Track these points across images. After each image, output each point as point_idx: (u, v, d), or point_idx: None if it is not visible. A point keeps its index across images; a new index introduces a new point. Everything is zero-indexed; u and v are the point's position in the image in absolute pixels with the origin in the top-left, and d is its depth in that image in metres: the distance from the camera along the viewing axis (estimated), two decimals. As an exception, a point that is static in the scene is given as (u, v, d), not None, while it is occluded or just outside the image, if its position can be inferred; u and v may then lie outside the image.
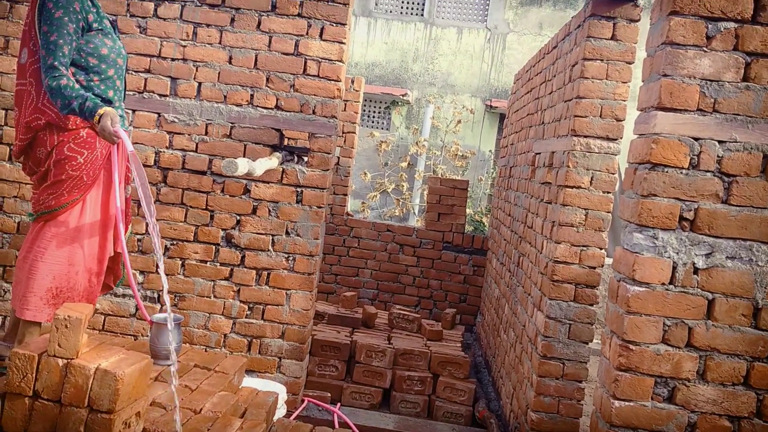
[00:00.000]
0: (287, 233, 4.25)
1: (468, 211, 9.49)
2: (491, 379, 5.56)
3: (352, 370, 4.93)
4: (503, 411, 4.82)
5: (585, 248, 3.96)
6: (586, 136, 3.95)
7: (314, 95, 4.20)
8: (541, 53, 5.38)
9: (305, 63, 4.19)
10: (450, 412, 4.79)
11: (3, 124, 4.29)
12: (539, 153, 4.78)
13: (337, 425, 4.30)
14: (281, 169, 4.21)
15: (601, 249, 3.99)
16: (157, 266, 2.92)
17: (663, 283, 2.40)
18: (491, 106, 12.74)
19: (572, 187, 3.94)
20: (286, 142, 4.27)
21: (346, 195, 7.36)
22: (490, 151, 12.84)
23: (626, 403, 2.42)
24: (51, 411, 2.34)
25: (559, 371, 3.97)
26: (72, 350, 2.34)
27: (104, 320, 4.30)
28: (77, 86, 2.90)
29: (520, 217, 5.18)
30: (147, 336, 4.23)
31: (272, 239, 4.25)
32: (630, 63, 3.98)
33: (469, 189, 7.45)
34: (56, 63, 2.88)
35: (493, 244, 6.60)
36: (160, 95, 4.23)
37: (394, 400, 4.85)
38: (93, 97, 2.91)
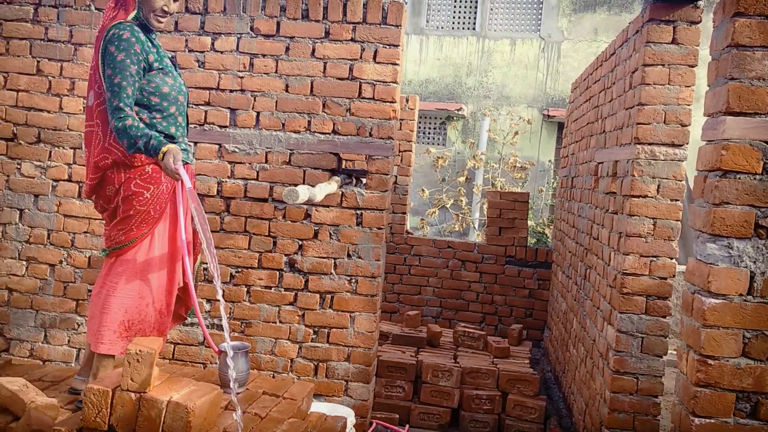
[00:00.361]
0: (349, 256, 4.26)
1: (530, 223, 9.35)
2: (562, 395, 5.44)
3: (419, 390, 4.89)
4: (575, 428, 4.70)
5: (655, 259, 3.85)
6: (650, 144, 3.84)
7: (370, 118, 4.22)
8: (599, 61, 5.28)
9: (360, 86, 4.22)
10: (521, 431, 4.69)
11: (71, 162, 4.44)
12: (602, 162, 4.68)
13: (407, 448, 4.27)
14: (340, 192, 4.23)
15: (671, 259, 3.86)
16: (218, 298, 2.96)
17: (740, 294, 2.30)
18: (549, 116, 12.59)
19: (638, 197, 3.84)
20: (344, 165, 4.30)
21: (405, 213, 7.36)
22: (550, 161, 12.67)
23: (707, 420, 2.32)
24: (127, 444, 2.39)
25: (633, 386, 3.84)
26: (144, 384, 2.38)
27: (174, 349, 4.38)
28: (141, 125, 2.99)
29: (585, 229, 5.07)
30: (215, 364, 4.29)
31: (334, 262, 4.27)
32: (693, 66, 3.86)
33: (529, 201, 7.33)
34: (121, 104, 2.98)
35: (558, 256, 6.48)
36: (221, 126, 4.32)
37: (463, 419, 4.78)
38: (157, 135, 2.99)
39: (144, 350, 2.39)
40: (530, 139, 12.75)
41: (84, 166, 3.31)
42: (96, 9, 4.39)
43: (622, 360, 3.82)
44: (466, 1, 13.32)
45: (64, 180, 4.45)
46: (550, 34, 12.92)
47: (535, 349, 6.57)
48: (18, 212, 4.48)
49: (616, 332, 3.85)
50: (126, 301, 3.09)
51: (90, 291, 4.40)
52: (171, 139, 3.18)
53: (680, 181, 3.85)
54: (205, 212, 4.30)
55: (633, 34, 4.16)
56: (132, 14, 3.12)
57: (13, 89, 4.46)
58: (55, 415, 2.67)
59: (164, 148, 2.92)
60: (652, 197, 3.84)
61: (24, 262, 4.48)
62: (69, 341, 4.47)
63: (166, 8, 3.19)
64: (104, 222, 3.30)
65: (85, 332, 4.41)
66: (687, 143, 3.86)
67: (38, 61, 4.45)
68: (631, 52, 4.15)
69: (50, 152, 4.45)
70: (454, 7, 13.38)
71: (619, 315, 3.84)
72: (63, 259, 4.46)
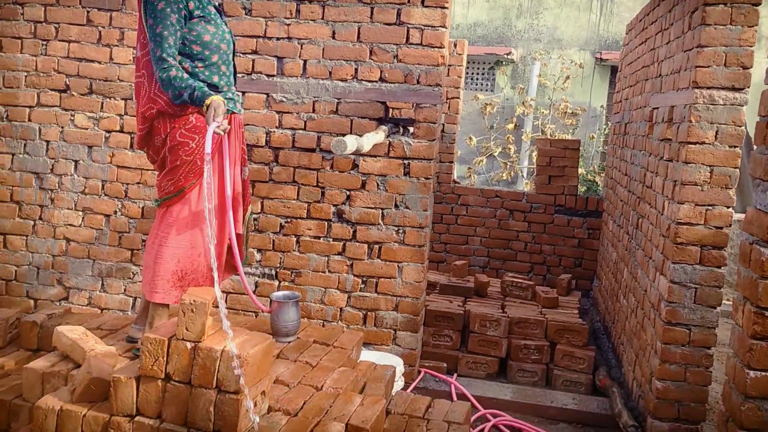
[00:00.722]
0: (396, 206, 4.25)
1: (580, 171, 9.18)
2: (611, 345, 5.40)
3: (467, 339, 4.91)
4: (625, 379, 4.67)
5: (710, 208, 3.73)
6: (709, 88, 3.69)
7: (418, 64, 4.14)
8: (656, 0, 5.06)
9: (408, 32, 4.14)
10: (569, 381, 4.69)
11: (123, 113, 4.49)
12: (657, 108, 4.52)
13: (454, 396, 4.31)
14: (388, 142, 4.20)
15: (728, 207, 3.74)
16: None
17: (802, 247, 2.22)
18: (601, 59, 12.21)
19: (695, 143, 3.70)
20: (391, 114, 4.25)
21: (452, 162, 7.28)
22: (602, 106, 12.34)
23: (762, 373, 2.27)
24: (182, 392, 2.45)
25: (685, 338, 3.78)
26: (198, 333, 2.44)
27: (226, 298, 4.47)
28: (186, 76, 2.99)
29: (638, 177, 4.94)
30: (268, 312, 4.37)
31: (382, 213, 4.27)
32: (756, 5, 3.66)
33: (580, 148, 7.17)
34: (164, 55, 2.98)
35: (609, 205, 6.36)
36: (268, 75, 4.30)
37: (511, 369, 4.80)
38: (201, 85, 2.98)
39: (198, 300, 2.43)
40: (582, 83, 12.41)
41: (135, 116, 3.33)
42: (142, -41, 4.37)
43: (675, 311, 3.76)
44: (516, -59, 12.88)
45: (116, 131, 4.51)
46: (603, -27, 12.44)
47: (584, 299, 6.51)
48: (73, 163, 4.57)
49: (668, 282, 3.77)
50: (178, 251, 3.14)
51: (144, 241, 4.50)
52: (215, 88, 3.16)
53: (740, 127, 3.70)
54: (255, 162, 4.33)
55: (693, -28, 3.96)
56: None
57: (65, 40, 4.51)
58: (113, 363, 2.76)
59: (208, 101, 2.92)
60: (709, 144, 3.70)
61: (80, 213, 4.59)
62: (125, 290, 4.60)
63: None
64: (156, 173, 3.34)
65: (140, 281, 4.53)
66: (748, 87, 3.69)
67: (88, 11, 4.47)
68: (691, -8, 3.96)
69: (102, 103, 4.51)
70: (505, -54, 12.95)
71: (672, 265, 3.76)
72: (117, 210, 4.56)
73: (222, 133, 2.98)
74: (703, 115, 3.69)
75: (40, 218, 4.63)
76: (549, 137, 10.28)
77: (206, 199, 2.90)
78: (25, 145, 4.60)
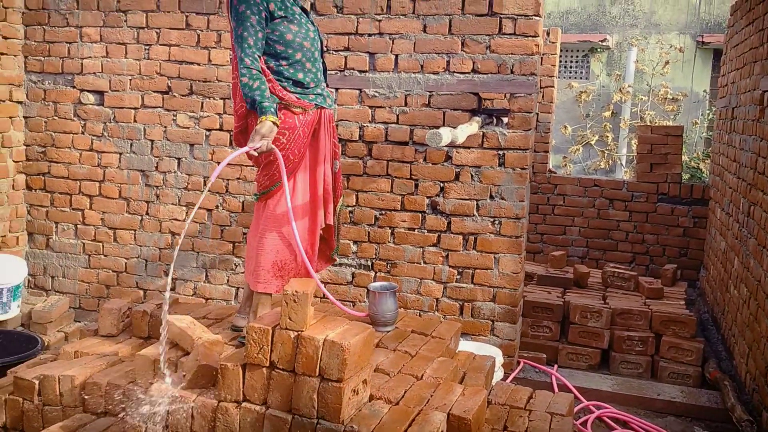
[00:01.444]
0: (491, 197, 4.20)
1: (683, 158, 8.79)
2: (721, 337, 5.16)
3: (567, 330, 4.80)
4: (737, 372, 4.45)
5: (830, 192, 3.50)
6: (826, 65, 3.46)
7: (511, 54, 4.08)
8: (764, -24, 4.79)
9: (500, 22, 4.08)
10: (676, 373, 4.52)
11: (222, 112, 4.64)
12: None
13: (555, 387, 4.22)
14: (481, 133, 4.15)
15: None
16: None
17: None
18: (703, 42, 11.66)
19: (812, 125, 3.48)
20: (484, 104, 4.20)
21: (547, 152, 7.14)
22: (705, 91, 11.78)
23: None
24: (286, 380, 2.51)
25: (805, 330, 3.57)
26: (301, 323, 2.49)
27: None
28: (256, 84, 3.05)
29: (749, 163, 4.69)
30: (365, 302, 4.42)
31: (477, 204, 4.23)
32: None
33: (683, 134, 6.87)
34: (243, 55, 3.07)
35: (716, 192, 6.07)
36: (360, 71, 4.34)
37: (614, 360, 4.66)
38: (268, 98, 3.05)
39: (300, 291, 2.48)
40: (682, 68, 11.89)
41: (233, 115, 3.43)
42: (238, -39, 4.49)
43: (792, 302, 3.55)
44: (609, -77, 12.46)
45: (216, 129, 4.67)
46: (704, -48, 11.88)
47: (690, 289, 6.24)
48: (176, 161, 4.76)
49: (784, 272, 3.57)
50: (277, 242, 3.23)
51: (245, 234, 4.63)
52: (300, 85, 3.21)
53: None
54: (349, 156, 4.38)
55: (807, -58, 3.72)
56: None
57: (166, 44, 4.69)
58: (220, 351, 2.85)
59: (263, 118, 3.01)
60: (828, 125, 3.48)
61: (184, 208, 4.78)
62: (227, 281, 4.76)
63: None
64: (255, 168, 3.43)
65: (242, 272, 4.67)
66: None
67: (187, 16, 4.64)
68: (805, -37, 3.72)
69: (202, 103, 4.67)
70: (597, -70, 12.57)
71: (788, 254, 3.55)
72: (219, 204, 4.71)
73: (255, 154, 3.08)
74: (821, 93, 3.46)
75: (147, 213, 4.84)
76: (650, 124, 9.91)
77: (288, 200, 3.12)
78: (131, 144, 4.83)
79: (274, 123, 3.02)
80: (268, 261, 3.23)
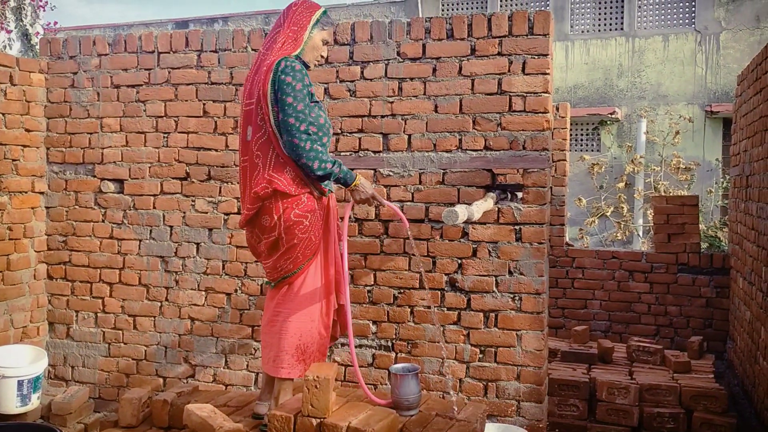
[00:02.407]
0: (510, 273, 4.17)
1: (701, 227, 8.76)
2: (754, 411, 5.00)
3: (595, 408, 4.68)
4: (775, 448, 4.29)
5: None
6: (839, 132, 3.47)
7: (522, 130, 4.13)
8: (768, 48, 4.88)
9: (510, 100, 4.15)
10: (710, 451, 4.36)
11: (240, 196, 4.69)
12: (781, 157, 4.29)
13: (585, 469, 4.09)
14: (497, 208, 4.17)
15: None
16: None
17: None
18: (712, 112, 11.78)
19: (830, 192, 3.47)
20: (498, 180, 4.23)
21: (563, 225, 7.14)
22: (717, 159, 11.83)
23: None
24: (310, 468, 2.45)
25: (841, 402, 3.46)
26: (323, 409, 2.45)
27: (344, 371, 4.48)
28: (327, 156, 3.21)
29: (767, 231, 4.66)
30: (386, 384, 4.34)
31: (496, 280, 4.20)
32: None
33: (699, 203, 6.87)
34: (308, 128, 3.15)
35: (737, 261, 6.01)
36: (374, 152, 4.40)
37: (645, 439, 4.52)
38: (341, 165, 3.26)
39: (322, 376, 2.45)
40: (693, 137, 11.98)
41: (241, 198, 3.47)
42: (252, 50, 4.65)
43: (825, 372, 3.45)
44: (611, 1, 12.82)
45: (234, 213, 4.71)
46: (706, 26, 12.13)
47: (718, 362, 6.10)
48: (195, 246, 4.79)
49: (815, 342, 3.49)
50: (300, 325, 3.23)
51: (263, 318, 4.61)
52: None
53: None
54: (366, 236, 4.40)
55: (809, 14, 3.80)
56: (295, 52, 3.30)
57: (184, 132, 4.81)
58: (241, 440, 2.80)
59: (357, 180, 3.31)
60: None
61: (203, 293, 4.78)
62: (247, 366, 4.70)
63: (323, 55, 3.46)
64: (261, 254, 3.41)
65: (260, 357, 4.62)
66: None
67: (204, 104, 4.77)
68: (809, 34, 3.79)
69: (220, 188, 4.74)
70: (599, 8, 12.92)
71: (817, 323, 3.48)
72: (237, 288, 4.71)
73: (373, 203, 3.42)
74: (836, 160, 3.46)
75: (166, 299, 4.85)
76: (663, 194, 9.92)
77: (342, 254, 3.35)
78: (150, 231, 4.88)
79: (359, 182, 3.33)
80: (292, 345, 3.21)
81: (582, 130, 12.79)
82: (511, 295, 4.17)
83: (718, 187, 11.32)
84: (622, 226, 11.30)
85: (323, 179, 3.23)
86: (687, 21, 12.37)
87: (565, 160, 7.14)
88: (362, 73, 4.41)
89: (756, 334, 4.98)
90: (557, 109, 7.09)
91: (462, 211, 3.42)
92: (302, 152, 3.12)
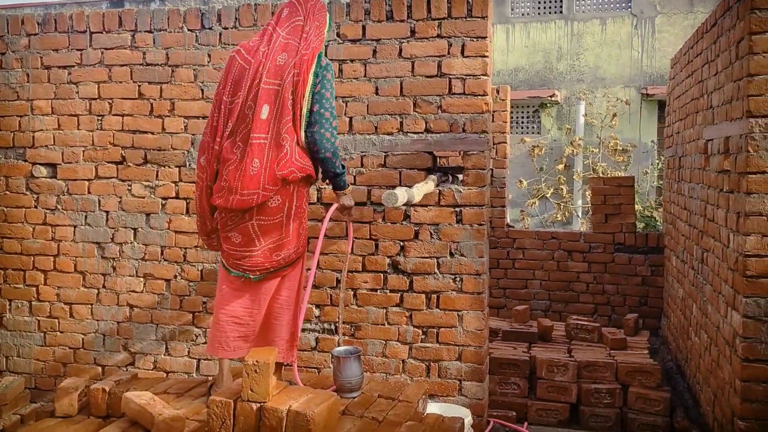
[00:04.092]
0: (451, 254, 4.21)
1: (637, 207, 9.00)
2: (686, 385, 5.19)
3: (535, 386, 4.78)
4: (704, 420, 4.47)
5: (779, 237, 3.59)
6: (764, 116, 3.60)
7: (462, 113, 4.16)
8: (699, 33, 5.01)
9: (450, 82, 4.17)
10: (645, 424, 4.52)
11: (177, 180, 4.60)
12: (711, 140, 4.43)
13: (526, 445, 4.18)
14: (438, 191, 4.19)
15: (798, 235, 3.60)
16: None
17: None
18: (648, 95, 12.08)
19: (756, 173, 3.60)
20: (439, 163, 4.26)
21: (504, 206, 7.24)
22: (652, 141, 12.16)
23: None
24: (251, 454, 2.44)
25: (766, 374, 3.61)
26: (263, 394, 2.43)
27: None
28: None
29: (698, 210, 4.82)
30: (329, 368, 4.35)
31: (437, 262, 4.24)
32: (806, 28, 3.59)
33: (635, 184, 7.05)
34: (336, 126, 3.29)
35: (670, 240, 6.20)
36: (315, 134, 4.36)
37: (583, 414, 4.64)
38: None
39: (261, 361, 2.43)
40: (629, 120, 12.28)
41: (193, 183, 3.43)
42: (189, 30, 4.54)
43: (751, 346, 3.60)
44: (551, -15, 12.98)
45: (172, 198, 4.62)
46: (642, 10, 12.41)
47: (653, 338, 6.30)
48: (132, 231, 4.69)
49: (742, 318, 3.63)
50: (293, 312, 3.44)
51: (204, 303, 4.55)
52: None
53: (802, 151, 3.59)
54: (308, 219, 4.37)
55: (735, 1, 3.92)
56: (321, 49, 3.35)
57: (119, 114, 4.68)
58: (181, 427, 2.76)
59: (349, 188, 3.57)
60: (771, 171, 3.59)
61: (141, 279, 4.69)
62: (189, 352, 4.64)
63: None
64: (249, 240, 3.29)
65: (202, 343, 4.57)
66: (807, 111, 3.59)
67: (139, 86, 4.64)
68: (735, 21, 3.91)
69: (157, 172, 4.63)
70: (540, -9, 13.07)
71: (744, 299, 3.62)
72: (177, 274, 4.63)
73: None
74: (761, 144, 3.59)
75: (104, 286, 4.74)
76: (601, 175, 10.15)
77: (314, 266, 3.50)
78: (86, 216, 4.75)
79: None
80: (288, 332, 3.44)
81: (522, 112, 12.96)
82: (453, 276, 4.21)
83: (653, 168, 11.65)
84: (561, 207, 11.54)
85: (338, 176, 3.38)
86: (624, 5, 12.62)
87: (505, 142, 7.22)
88: (302, 54, 4.35)
89: (688, 310, 5.16)
90: (498, 91, 7.16)
91: (402, 194, 3.43)
92: (331, 147, 3.25)
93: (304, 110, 3.20)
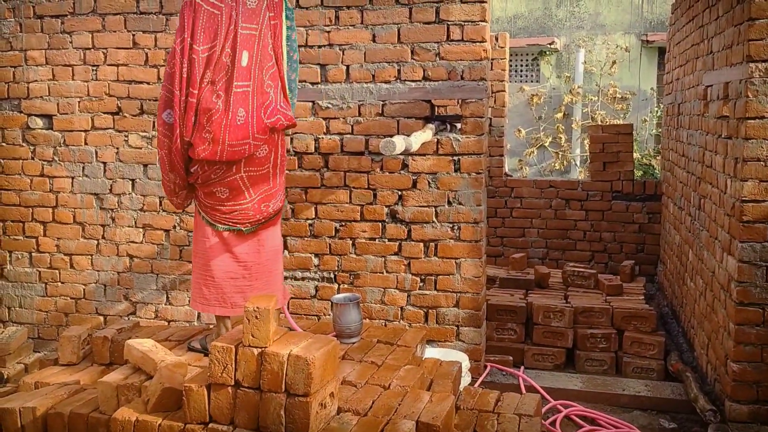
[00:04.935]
0: (449, 203, 4.22)
1: (635, 155, 8.97)
2: (681, 330, 5.26)
3: (531, 332, 4.85)
4: (698, 363, 4.55)
5: (776, 182, 3.60)
6: (764, 61, 3.57)
7: (461, 60, 4.12)
8: (701, -25, 4.93)
9: (448, 29, 4.12)
10: (640, 368, 4.59)
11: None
12: (710, 85, 4.40)
13: (523, 389, 4.26)
14: (436, 139, 4.18)
15: (794, 181, 3.61)
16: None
17: None
18: (648, 41, 11.92)
19: (754, 118, 3.58)
20: (437, 111, 4.24)
21: (502, 156, 7.22)
22: (652, 89, 12.05)
23: None
24: (252, 398, 2.49)
25: (759, 317, 3.66)
26: (264, 339, 2.47)
27: (288, 303, 4.51)
28: None
29: (696, 157, 4.81)
30: (329, 315, 4.40)
31: (435, 210, 4.25)
32: (808, -30, 3.53)
33: (633, 132, 7.01)
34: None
35: (668, 188, 6.21)
36: (312, 83, 4.33)
37: (579, 359, 4.72)
38: None
39: (262, 307, 2.46)
40: (629, 67, 12.14)
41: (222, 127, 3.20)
42: (183, -22, 4.46)
43: (746, 291, 3.64)
44: (551, -71, 12.69)
45: (169, 149, 4.60)
46: (643, -47, 12.17)
47: (648, 284, 6.35)
48: (130, 182, 4.69)
49: (737, 262, 3.66)
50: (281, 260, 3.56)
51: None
52: None
53: (801, 96, 3.57)
54: (306, 169, 4.38)
55: (740, -59, 3.84)
56: None
57: (113, 64, 4.63)
58: (184, 373, 2.81)
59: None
60: (770, 117, 3.58)
61: (141, 229, 4.71)
62: (189, 301, 4.69)
63: None
64: (238, 192, 3.27)
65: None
66: (807, 55, 3.56)
67: (133, 35, 4.59)
68: (739, -38, 3.84)
69: (153, 122, 4.61)
70: (539, -65, 12.78)
71: (739, 244, 3.64)
72: (176, 224, 4.65)
73: None
74: (760, 89, 3.57)
75: (103, 237, 4.76)
76: (600, 124, 10.10)
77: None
78: (83, 167, 4.74)
79: None
80: (281, 279, 3.63)
81: (521, 60, 12.81)
82: (450, 225, 4.23)
83: (652, 116, 11.58)
84: (560, 156, 11.51)
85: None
86: (625, -52, 12.36)
87: (504, 90, 7.17)
88: (297, 1, 4.30)
89: (684, 256, 5.20)
90: (496, 39, 7.08)
91: (400, 142, 3.43)
92: (293, 95, 3.29)
93: (284, 56, 3.17)
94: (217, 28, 3.07)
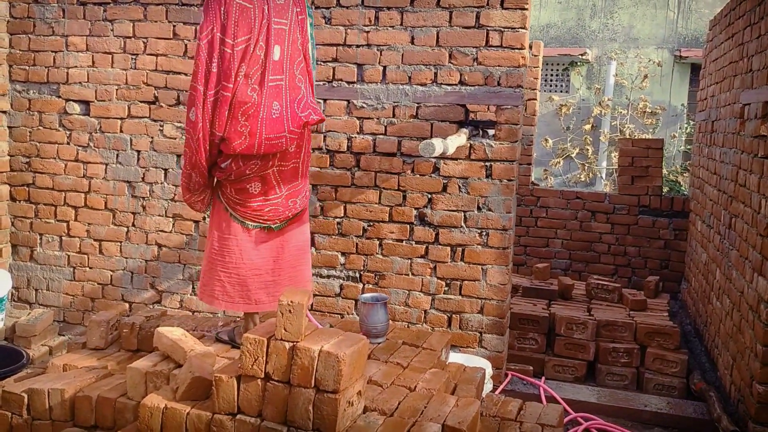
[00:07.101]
0: (479, 208, 4.22)
1: (663, 171, 8.92)
2: (704, 349, 5.22)
3: (553, 343, 4.84)
4: (722, 383, 4.50)
5: (812, 205, 3.57)
6: (807, 81, 3.54)
7: (498, 66, 4.12)
8: (743, -7, 4.89)
9: (487, 34, 4.12)
10: (661, 385, 4.56)
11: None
12: (748, 104, 4.36)
13: (543, 399, 4.24)
14: (469, 144, 4.18)
15: (831, 205, 3.58)
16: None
17: None
18: (681, 57, 11.83)
19: (794, 139, 3.56)
20: (471, 116, 4.24)
21: (530, 164, 7.20)
22: (683, 105, 11.96)
23: None
24: (282, 391, 2.50)
25: (788, 340, 3.63)
26: (297, 334, 2.48)
27: (312, 300, 4.53)
28: None
29: (729, 175, 4.77)
30: (352, 314, 4.42)
31: (464, 215, 4.25)
32: None
33: (663, 147, 6.97)
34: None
35: (696, 205, 6.16)
36: (348, 82, 4.35)
37: (600, 372, 4.70)
38: None
39: (295, 301, 2.48)
40: (660, 82, 12.05)
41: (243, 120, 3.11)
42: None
43: (776, 312, 3.61)
44: (588, -61, 12.64)
45: (203, 141, 4.64)
46: (681, -32, 12.08)
47: (672, 301, 6.32)
48: (163, 172, 4.73)
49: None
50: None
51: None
52: None
53: (843, 119, 3.53)
54: (337, 168, 4.40)
55: (787, -40, 3.81)
56: None
57: (153, 54, 4.68)
58: (213, 363, 2.84)
59: None
60: (810, 138, 3.55)
61: (170, 219, 4.75)
62: (198, 295, 4.71)
63: None
64: (269, 188, 3.27)
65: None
66: None
67: (174, 26, 4.63)
68: (786, -19, 3.81)
69: (189, 114, 4.64)
70: (576, -54, 12.73)
71: (771, 265, 3.61)
72: (206, 216, 4.68)
73: None
74: (802, 108, 3.54)
75: (133, 225, 4.81)
76: (629, 137, 10.04)
77: None
78: (117, 155, 4.80)
79: None
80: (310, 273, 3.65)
81: (552, 70, 12.76)
82: (479, 231, 4.23)
83: (681, 132, 11.49)
84: (586, 167, 11.44)
85: None
86: (662, -37, 12.28)
87: (535, 99, 7.16)
88: (338, 0, 4.32)
89: (711, 275, 5.16)
90: (530, 47, 7.05)
91: (439, 144, 3.44)
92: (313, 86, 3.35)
93: (311, 50, 3.20)
94: (251, 22, 3.04)
